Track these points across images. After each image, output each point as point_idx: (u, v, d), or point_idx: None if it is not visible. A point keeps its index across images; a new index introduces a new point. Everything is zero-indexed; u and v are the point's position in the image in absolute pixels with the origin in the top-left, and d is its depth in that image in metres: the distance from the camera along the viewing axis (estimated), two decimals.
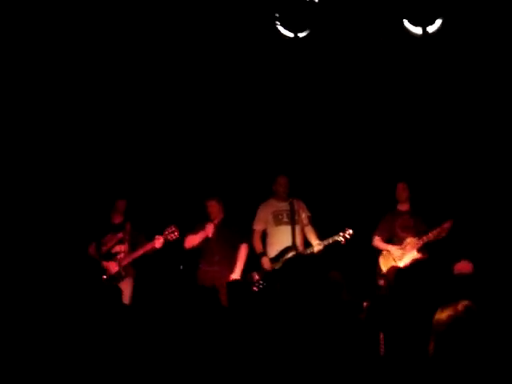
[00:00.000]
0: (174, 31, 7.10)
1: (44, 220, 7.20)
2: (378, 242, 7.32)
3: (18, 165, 7.17)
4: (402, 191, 7.35)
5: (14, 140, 7.17)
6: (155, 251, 6.83)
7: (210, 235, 6.94)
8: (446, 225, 7.00)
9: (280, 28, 6.83)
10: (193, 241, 7.05)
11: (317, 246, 6.94)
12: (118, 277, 6.79)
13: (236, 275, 6.94)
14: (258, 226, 7.20)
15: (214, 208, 7.06)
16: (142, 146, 7.76)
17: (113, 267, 6.87)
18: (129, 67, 7.45)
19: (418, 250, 7.15)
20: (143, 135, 7.75)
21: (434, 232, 7.03)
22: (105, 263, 6.88)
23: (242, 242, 7.09)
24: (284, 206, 7.12)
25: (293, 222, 7.01)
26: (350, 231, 6.90)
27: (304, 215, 7.13)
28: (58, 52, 7.11)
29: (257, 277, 6.86)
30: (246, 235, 7.14)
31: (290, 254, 6.84)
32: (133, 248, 6.92)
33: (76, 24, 6.87)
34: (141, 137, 7.75)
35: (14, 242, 6.99)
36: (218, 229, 7.03)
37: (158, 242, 6.74)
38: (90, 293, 6.23)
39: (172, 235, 6.78)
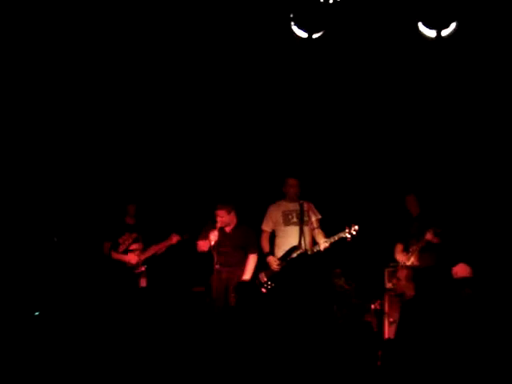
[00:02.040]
0: (182, 35, 7.16)
1: (64, 222, 7.74)
2: (397, 250, 7.44)
3: (43, 176, 7.78)
4: (410, 204, 7.40)
5: (36, 151, 7.71)
6: (169, 247, 7.47)
7: (213, 243, 6.94)
8: (428, 235, 7.03)
9: (294, 28, 6.80)
10: (202, 247, 7.12)
11: (323, 243, 6.91)
12: (136, 267, 7.39)
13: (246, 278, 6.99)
14: (266, 227, 7.25)
15: (224, 218, 7.05)
16: (153, 152, 8.20)
17: (133, 258, 7.37)
18: (141, 81, 7.76)
19: (416, 256, 7.17)
20: (155, 143, 8.17)
21: (421, 240, 7.12)
22: (125, 257, 7.38)
23: (252, 252, 7.08)
24: (294, 206, 7.13)
25: (301, 222, 7.00)
26: (356, 227, 6.87)
27: (314, 218, 7.13)
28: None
29: (265, 278, 6.87)
30: (257, 244, 7.17)
31: (295, 254, 6.85)
32: (145, 248, 7.47)
33: (78, 25, 6.94)
34: (152, 145, 8.18)
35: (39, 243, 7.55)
36: (230, 235, 7.14)
37: (175, 239, 7.35)
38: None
39: (185, 236, 7.40)
